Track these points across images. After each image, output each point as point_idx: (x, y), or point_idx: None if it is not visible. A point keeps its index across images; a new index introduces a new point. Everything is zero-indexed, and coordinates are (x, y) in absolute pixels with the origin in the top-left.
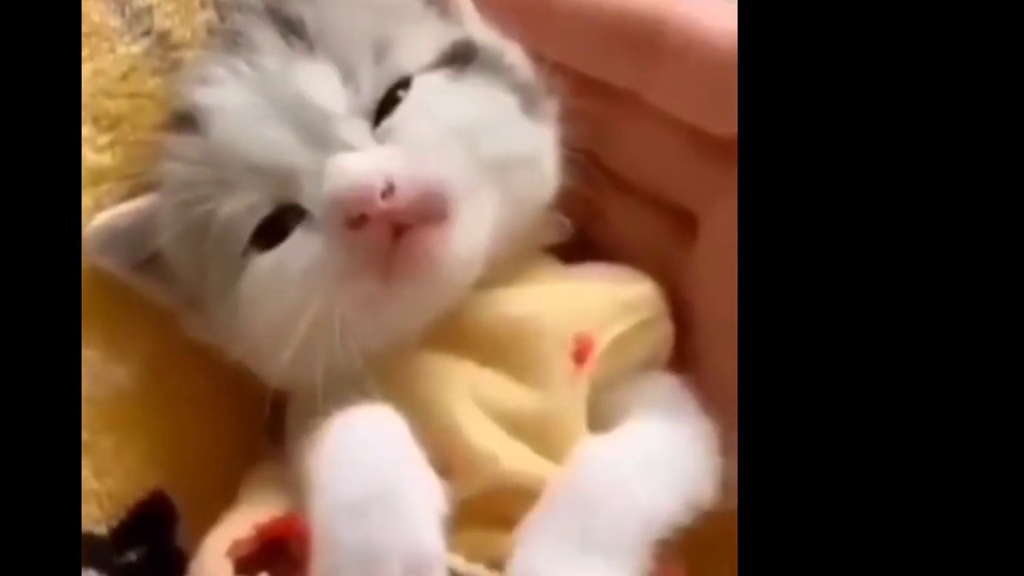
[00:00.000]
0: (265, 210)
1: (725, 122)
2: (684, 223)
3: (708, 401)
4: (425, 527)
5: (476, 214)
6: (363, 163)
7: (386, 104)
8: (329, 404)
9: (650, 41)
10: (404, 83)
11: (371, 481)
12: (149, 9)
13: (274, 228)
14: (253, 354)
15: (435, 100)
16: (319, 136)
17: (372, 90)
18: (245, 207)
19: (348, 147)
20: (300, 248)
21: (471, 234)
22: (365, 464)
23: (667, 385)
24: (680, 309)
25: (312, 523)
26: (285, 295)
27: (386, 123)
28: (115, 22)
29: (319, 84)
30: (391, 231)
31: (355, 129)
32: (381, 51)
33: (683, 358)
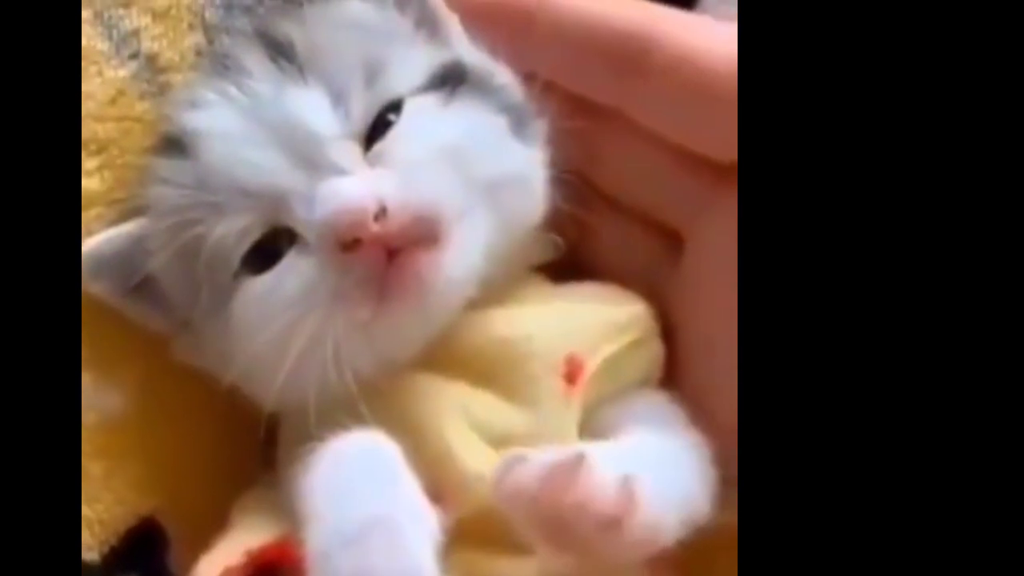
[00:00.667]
0: (256, 234)
1: (710, 141)
2: (672, 241)
3: (693, 416)
4: (420, 555)
5: (468, 236)
6: (356, 187)
7: (377, 127)
8: (321, 427)
9: (635, 59)
10: (395, 106)
11: (366, 509)
12: (136, 32)
13: (265, 252)
14: (246, 378)
15: (426, 123)
16: (310, 159)
17: (363, 113)
18: (236, 231)
19: (340, 170)
20: (292, 272)
21: (464, 256)
22: (359, 492)
23: (658, 401)
24: (668, 326)
25: (306, 551)
26: (277, 319)
27: (378, 146)
28: (103, 45)
29: (310, 108)
30: (384, 254)
31: (346, 152)
32: (371, 74)
33: (670, 374)
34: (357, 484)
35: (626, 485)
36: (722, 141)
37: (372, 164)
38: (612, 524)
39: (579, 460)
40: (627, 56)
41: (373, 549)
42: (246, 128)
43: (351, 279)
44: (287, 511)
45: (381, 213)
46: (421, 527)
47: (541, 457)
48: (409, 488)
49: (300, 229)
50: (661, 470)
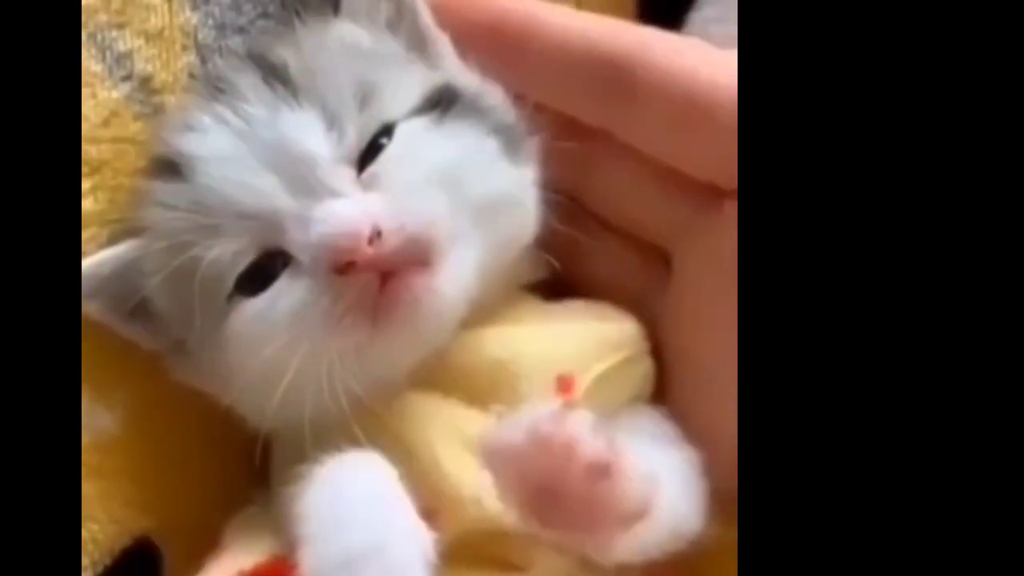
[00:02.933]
0: (250, 256)
1: (698, 163)
2: (661, 260)
3: (684, 432)
4: None
5: (461, 257)
6: (350, 209)
7: (370, 150)
8: (315, 447)
9: (624, 81)
10: (388, 130)
11: (361, 535)
12: (130, 54)
13: (260, 273)
14: (240, 398)
15: (419, 146)
16: (304, 182)
17: (356, 137)
18: (231, 253)
19: (334, 193)
20: (286, 294)
21: (457, 277)
22: (354, 516)
23: (649, 417)
24: (658, 345)
25: (300, 573)
26: (272, 341)
27: (371, 169)
28: (96, 67)
29: (304, 131)
30: (377, 277)
31: (340, 175)
32: (365, 98)
33: (661, 391)
34: (352, 507)
35: (610, 440)
36: (710, 162)
37: (365, 187)
38: (601, 471)
39: (563, 409)
40: (616, 78)
41: (369, 574)
42: (241, 151)
43: (345, 301)
44: (280, 531)
45: (375, 236)
46: (415, 551)
47: (523, 415)
48: (403, 511)
49: (294, 251)
50: None
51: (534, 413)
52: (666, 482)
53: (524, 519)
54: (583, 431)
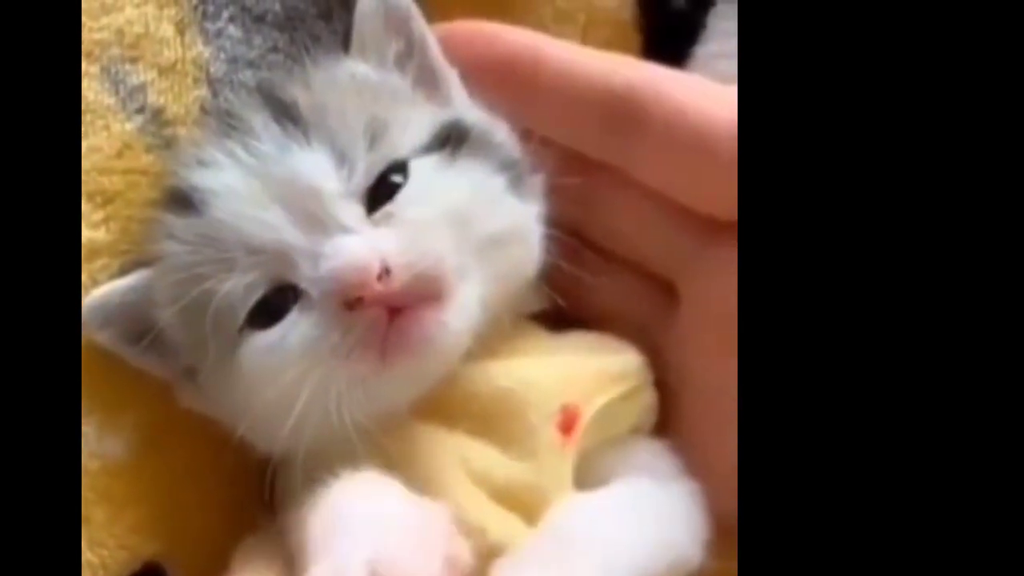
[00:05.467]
0: (262, 290)
1: (705, 198)
2: (667, 292)
3: (689, 464)
4: None
5: (467, 292)
6: (360, 245)
7: (380, 187)
8: (322, 474)
9: (631, 117)
10: (396, 166)
11: (367, 554)
12: (143, 87)
13: (271, 307)
14: (250, 426)
15: (433, 185)
16: (315, 218)
17: (366, 173)
18: (243, 286)
19: (343, 229)
20: (297, 327)
21: (463, 312)
22: (360, 535)
23: (652, 448)
24: (663, 376)
25: None
26: (283, 373)
27: (386, 208)
28: (109, 100)
29: (314, 168)
30: (386, 312)
31: (350, 211)
32: (374, 135)
33: (666, 423)
34: (364, 518)
35: None
36: (717, 197)
37: (376, 224)
38: None
39: None
40: (622, 113)
41: None
42: (252, 187)
43: (353, 336)
44: (287, 557)
45: (384, 272)
46: (431, 562)
47: None
48: (418, 524)
49: (304, 286)
50: (638, 518)
51: None
52: (655, 520)
53: None
54: None
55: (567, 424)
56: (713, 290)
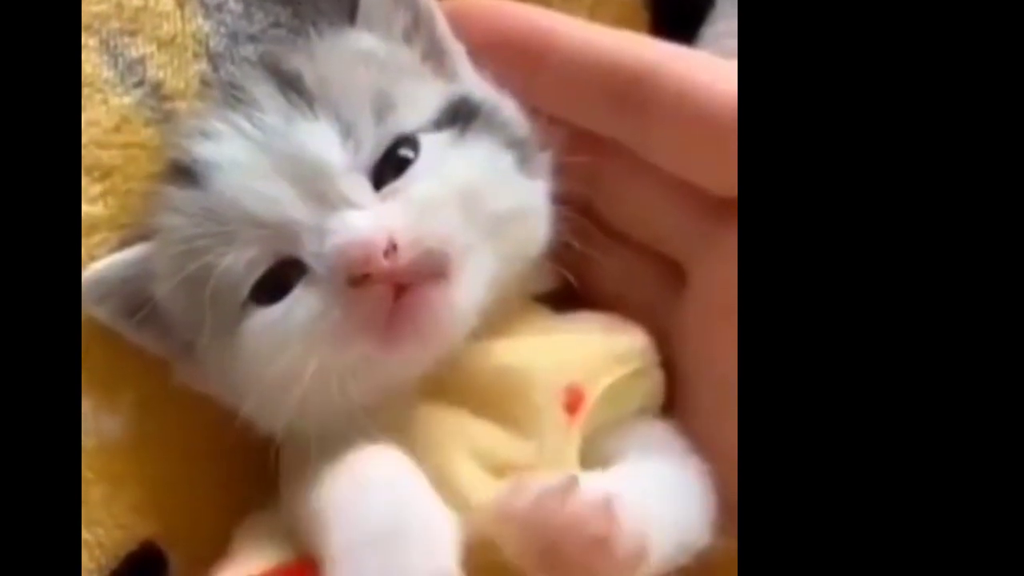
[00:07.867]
0: (265, 265)
1: (712, 176)
2: (675, 273)
3: (695, 445)
4: (446, 555)
5: (474, 270)
6: (366, 221)
7: (386, 161)
8: (325, 453)
9: (639, 95)
10: (403, 141)
11: (389, 513)
12: (142, 60)
13: (274, 283)
14: (251, 404)
15: (443, 162)
16: (320, 192)
17: (372, 147)
18: (245, 261)
19: (349, 203)
20: (300, 304)
21: (470, 290)
22: (379, 498)
23: (659, 429)
24: (669, 357)
25: (328, 560)
26: (285, 351)
27: (394, 184)
28: (108, 73)
29: (319, 141)
30: (392, 290)
31: (356, 186)
32: (380, 108)
33: (672, 403)
34: (376, 491)
35: (607, 505)
36: (724, 176)
37: (383, 199)
38: (600, 544)
39: (569, 484)
40: (631, 91)
41: (401, 551)
42: (256, 160)
43: (359, 313)
44: (289, 536)
45: (391, 249)
46: (443, 529)
47: (534, 483)
48: (428, 493)
49: (309, 261)
50: (655, 496)
51: (543, 485)
52: (669, 498)
53: (530, 572)
54: (584, 509)
55: (572, 404)
56: (721, 273)
